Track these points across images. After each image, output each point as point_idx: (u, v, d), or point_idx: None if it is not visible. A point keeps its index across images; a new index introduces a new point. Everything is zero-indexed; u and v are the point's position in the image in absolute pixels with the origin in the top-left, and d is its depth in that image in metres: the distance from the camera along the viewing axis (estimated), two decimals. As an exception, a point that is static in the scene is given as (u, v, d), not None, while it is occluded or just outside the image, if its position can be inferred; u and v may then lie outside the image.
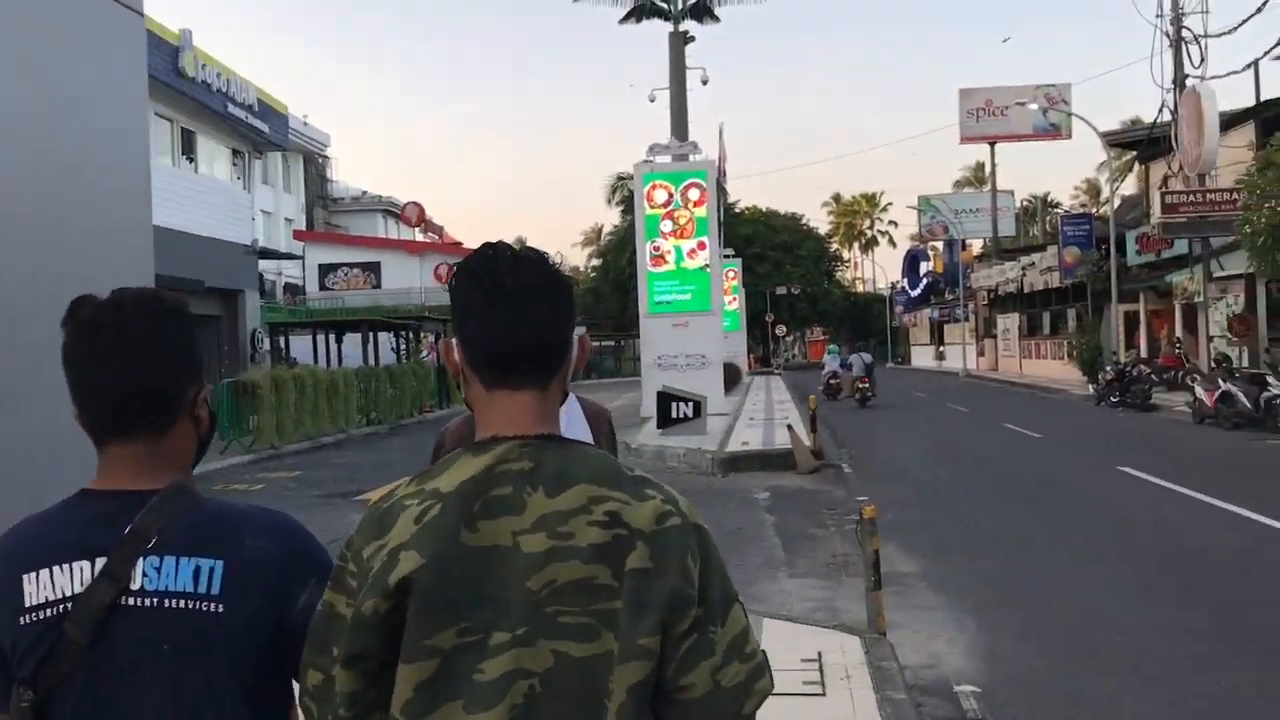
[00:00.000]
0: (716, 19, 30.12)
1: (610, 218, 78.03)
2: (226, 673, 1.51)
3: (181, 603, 1.51)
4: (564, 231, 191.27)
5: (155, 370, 1.58)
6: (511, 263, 1.52)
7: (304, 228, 58.88)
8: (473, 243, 64.55)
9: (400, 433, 26.41)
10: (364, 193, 69.46)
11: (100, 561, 1.51)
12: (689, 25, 29.10)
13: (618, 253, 68.01)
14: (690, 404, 19.24)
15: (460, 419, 2.89)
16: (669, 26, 28.59)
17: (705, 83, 28.64)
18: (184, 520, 1.54)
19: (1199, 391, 20.85)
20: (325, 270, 55.13)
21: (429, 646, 1.39)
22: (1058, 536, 10.31)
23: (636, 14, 29.81)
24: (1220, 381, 20.11)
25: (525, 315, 1.50)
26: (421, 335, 33.85)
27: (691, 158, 24.27)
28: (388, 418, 27.83)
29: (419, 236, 62.58)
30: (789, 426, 17.86)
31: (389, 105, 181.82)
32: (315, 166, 65.27)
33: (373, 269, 55.14)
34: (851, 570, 8.78)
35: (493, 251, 1.53)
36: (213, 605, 1.51)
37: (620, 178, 52.77)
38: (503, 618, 1.39)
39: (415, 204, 59.26)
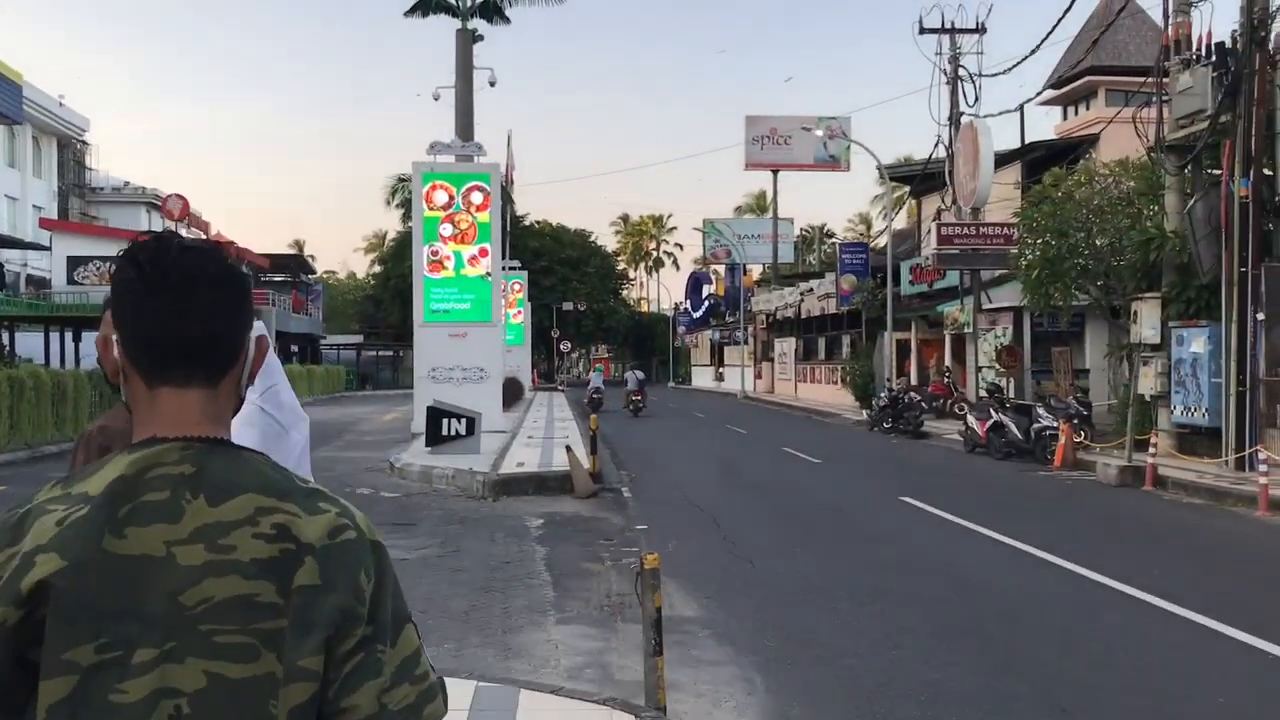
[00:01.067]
0: (507, 20, 29.02)
1: (392, 221, 75.62)
2: None
3: None
4: (347, 237, 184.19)
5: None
6: (179, 251, 1.43)
7: (55, 217, 54.44)
8: (245, 242, 61.52)
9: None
10: (126, 183, 65.45)
11: None
12: (478, 24, 27.89)
13: (398, 259, 66.47)
14: (463, 420, 17.98)
15: (115, 414, 2.63)
16: (457, 23, 27.28)
17: (493, 84, 27.42)
18: None
19: (971, 421, 21.17)
20: (75, 263, 51.20)
21: (66, 661, 1.29)
22: (844, 575, 9.67)
23: (422, 7, 28.35)
24: (991, 411, 20.45)
25: (191, 306, 1.42)
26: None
27: (476, 159, 23.03)
28: (129, 426, 25.35)
29: (183, 231, 58.81)
30: (568, 448, 16.86)
31: (166, 100, 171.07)
32: (72, 152, 60.81)
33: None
34: (628, 615, 7.83)
35: (159, 240, 1.46)
36: None
37: (401, 179, 50.94)
38: (148, 633, 1.30)
39: (178, 196, 55.33)
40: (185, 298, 1.41)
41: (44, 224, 51.82)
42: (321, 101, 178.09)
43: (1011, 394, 24.33)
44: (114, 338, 1.46)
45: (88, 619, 1.29)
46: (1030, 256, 22.17)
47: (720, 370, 66.07)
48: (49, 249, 50.16)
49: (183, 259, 1.42)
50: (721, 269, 70.58)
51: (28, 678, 1.28)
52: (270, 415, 2.75)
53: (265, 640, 1.31)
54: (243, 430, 2.34)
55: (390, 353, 70.72)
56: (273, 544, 1.34)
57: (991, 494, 15.48)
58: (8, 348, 27.19)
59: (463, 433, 17.81)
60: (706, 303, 73.47)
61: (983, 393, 23.52)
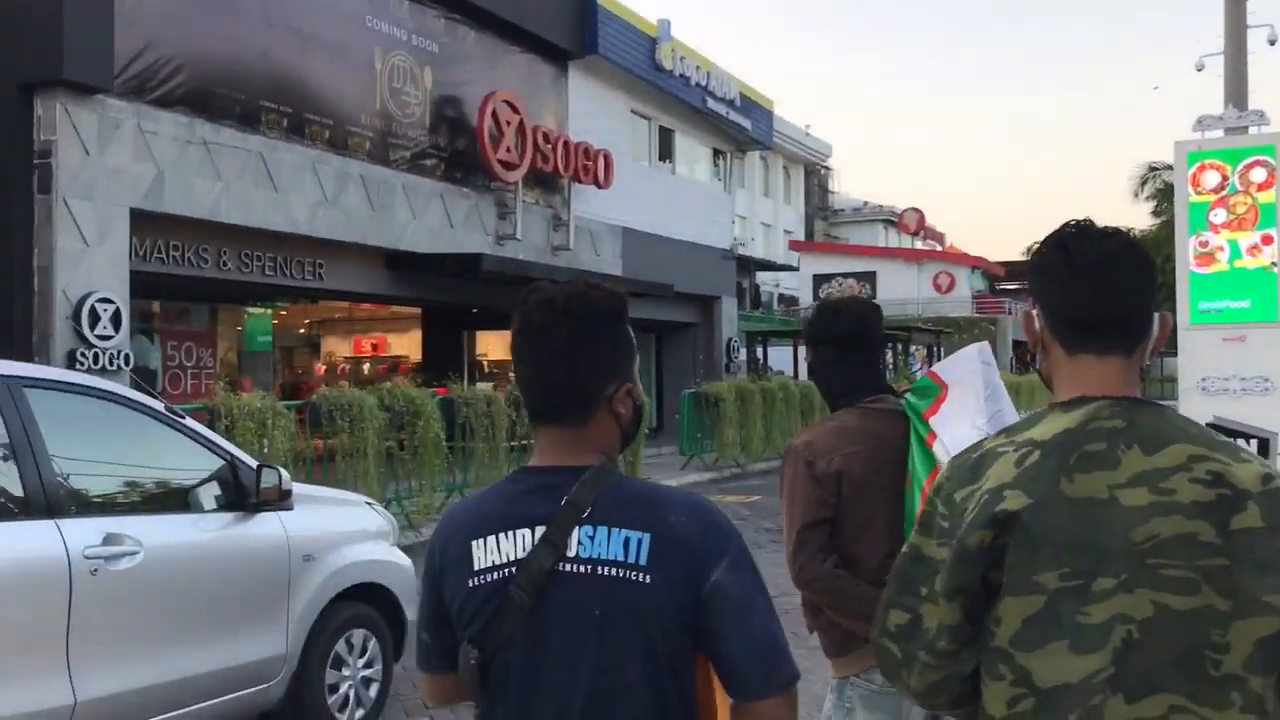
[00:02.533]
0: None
1: (1135, 218, 69.89)
2: (648, 638, 1.59)
3: (612, 570, 1.60)
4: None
5: (572, 370, 1.68)
6: (1100, 237, 1.66)
7: (803, 239, 58.50)
8: (977, 251, 60.81)
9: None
10: (865, 203, 68.38)
11: (540, 529, 1.63)
12: (1251, -28, 23.52)
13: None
14: (1253, 441, 14.71)
15: (819, 429, 2.87)
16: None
17: (1273, 42, 22.94)
18: (611, 494, 1.64)
19: None
20: (820, 280, 54.46)
21: (1035, 582, 1.52)
22: None
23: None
24: None
25: (1109, 284, 1.63)
26: (912, 349, 30.84)
27: (1254, 130, 19.16)
28: (869, 437, 25.42)
29: (919, 245, 59.80)
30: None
31: (889, 114, 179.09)
32: (816, 178, 65.16)
33: (868, 278, 53.67)
34: None
35: (1077, 226, 1.69)
36: (640, 574, 1.59)
37: (1153, 168, 46.26)
38: (1105, 565, 1.50)
39: (914, 210, 56.57)
40: (1105, 277, 1.64)
41: (793, 245, 55.75)
42: (1045, 105, 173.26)
43: None
44: (1033, 312, 1.74)
45: (1049, 550, 1.52)
46: None
47: None
48: (797, 269, 53.90)
49: (1103, 244, 1.66)
50: None
51: (984, 593, 1.57)
52: None
53: (1205, 575, 1.48)
54: None
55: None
56: (1209, 489, 1.51)
57: None
58: (761, 360, 28.93)
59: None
60: None
61: None
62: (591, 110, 20.67)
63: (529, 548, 1.61)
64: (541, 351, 1.67)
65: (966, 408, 2.54)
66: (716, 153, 26.19)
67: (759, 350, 29.42)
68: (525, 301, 1.70)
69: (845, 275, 54.27)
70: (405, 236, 15.77)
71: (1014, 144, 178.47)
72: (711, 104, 23.78)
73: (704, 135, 25.30)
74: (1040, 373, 1.73)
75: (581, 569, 1.60)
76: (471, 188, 17.29)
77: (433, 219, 16.30)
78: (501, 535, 1.63)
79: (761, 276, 50.54)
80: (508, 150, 17.36)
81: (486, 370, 25.04)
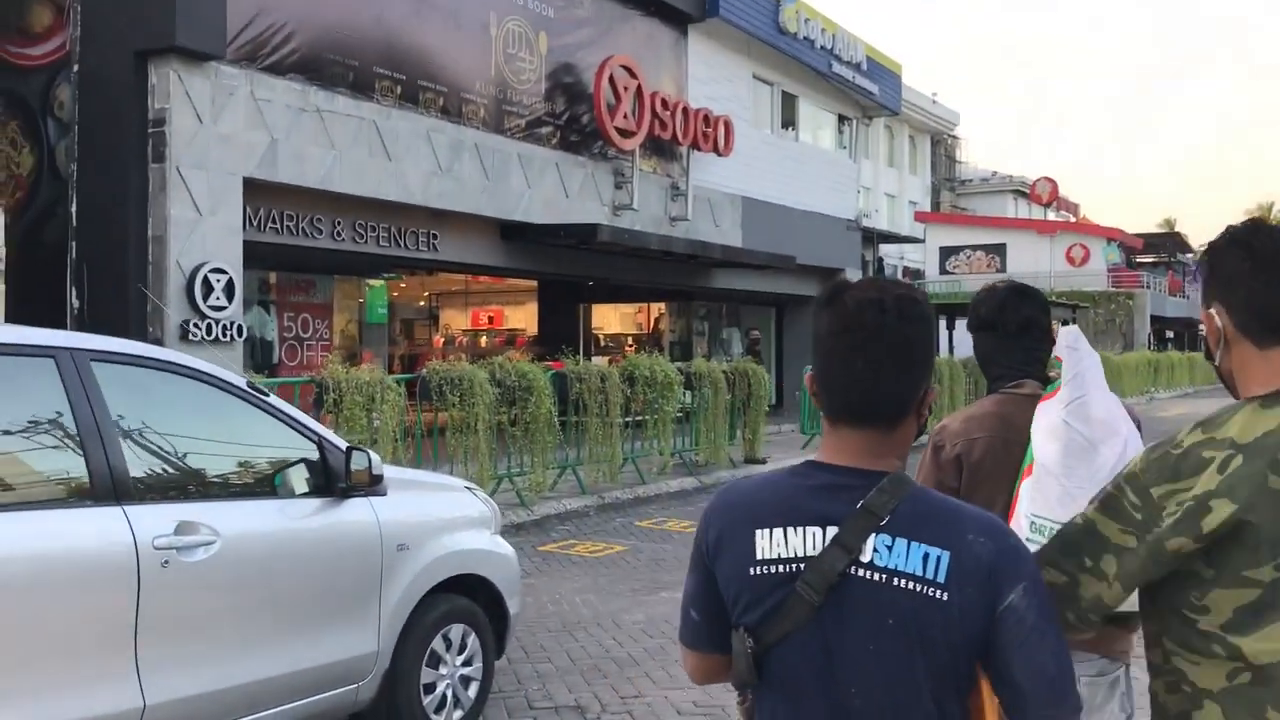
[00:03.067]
0: None
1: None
2: (939, 655, 1.60)
3: (910, 584, 1.60)
4: (1225, 209, 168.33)
5: (900, 375, 1.67)
6: (1276, 230, 1.69)
7: (929, 210, 56.90)
8: (1110, 222, 58.22)
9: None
10: (994, 173, 66.40)
11: (831, 530, 1.64)
12: None
13: None
14: None
15: (960, 413, 2.91)
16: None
17: None
18: (909, 506, 1.64)
19: None
20: (946, 253, 52.97)
21: (1248, 577, 1.59)
22: None
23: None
24: None
25: None
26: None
27: None
28: (999, 416, 24.28)
29: (1051, 216, 57.53)
30: None
31: (1021, 81, 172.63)
32: (944, 148, 63.29)
33: (997, 251, 51.95)
34: None
35: (1252, 223, 1.75)
36: (938, 592, 1.59)
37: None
38: None
39: (1047, 179, 54.17)
40: None
41: (919, 217, 54.26)
42: (1187, 63, 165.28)
43: None
44: (1212, 311, 1.76)
45: (1266, 546, 1.58)
46: None
47: None
48: (923, 241, 52.41)
49: None
50: None
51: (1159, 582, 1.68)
52: (1075, 429, 2.44)
53: None
54: (1046, 443, 2.44)
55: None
56: None
57: None
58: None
59: None
60: None
61: None
62: (712, 76, 20.02)
63: (819, 547, 1.63)
64: (875, 352, 1.65)
65: (1060, 396, 2.47)
66: (841, 119, 25.25)
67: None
68: (841, 299, 1.69)
69: (973, 248, 52.65)
70: (520, 207, 15.42)
71: (1152, 110, 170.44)
72: (837, 68, 22.88)
73: (829, 101, 24.40)
74: (1219, 369, 1.78)
75: (877, 577, 1.61)
76: (588, 156, 16.85)
77: (548, 188, 15.92)
78: (790, 529, 1.65)
79: (885, 249, 49.34)
80: (625, 117, 16.86)
81: (602, 344, 24.73)
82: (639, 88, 17.10)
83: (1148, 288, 48.67)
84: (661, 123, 17.67)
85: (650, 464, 13.44)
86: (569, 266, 17.18)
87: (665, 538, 10.31)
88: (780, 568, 1.63)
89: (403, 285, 22.17)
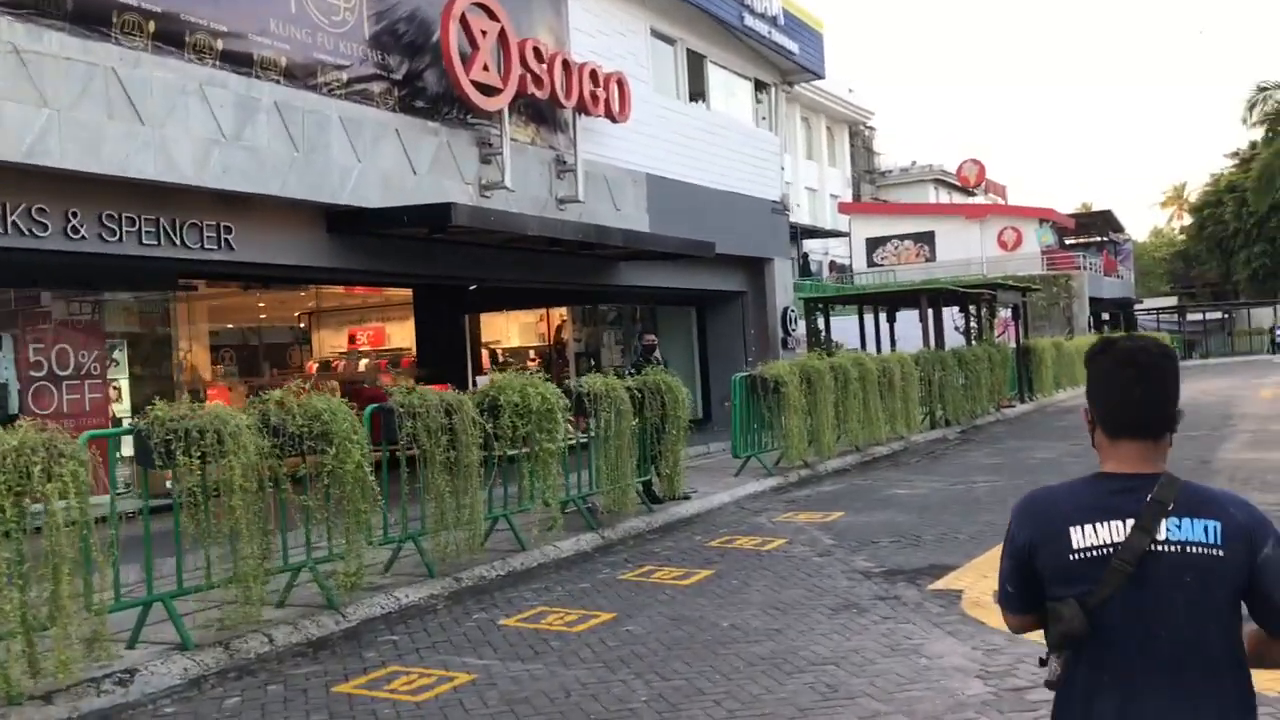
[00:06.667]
0: None
1: (1232, 146, 64.82)
2: (1222, 597, 2.21)
3: (1198, 550, 2.21)
4: (1141, 194, 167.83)
5: (1171, 399, 2.31)
6: None
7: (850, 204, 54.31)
8: (1042, 204, 55.94)
9: (974, 438, 19.69)
10: (913, 162, 64.22)
11: (1129, 521, 2.23)
12: None
13: (1217, 205, 56.78)
14: None
15: None
16: None
17: None
18: (1184, 493, 2.25)
19: None
20: (873, 244, 50.41)
21: None
22: None
23: None
24: None
25: None
26: (996, 309, 26.36)
27: None
28: (958, 417, 21.18)
29: (981, 200, 55.19)
30: None
31: (929, 70, 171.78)
32: (861, 139, 60.85)
33: (926, 240, 49.55)
34: None
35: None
36: (1218, 551, 2.21)
37: (1261, 88, 41.40)
38: None
39: (974, 161, 51.80)
40: None
41: (842, 208, 51.73)
42: (1100, 37, 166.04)
43: None
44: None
45: None
46: None
47: None
48: (847, 234, 49.82)
49: None
50: None
51: None
52: None
53: None
54: None
55: (1219, 315, 60.69)
56: None
57: None
58: (824, 333, 24.60)
59: None
60: None
61: None
62: (600, 28, 16.46)
63: (1124, 535, 2.21)
64: (1156, 384, 2.28)
65: None
66: (759, 85, 21.81)
67: (819, 321, 25.05)
68: (1115, 347, 2.33)
69: (901, 238, 50.17)
70: (348, 187, 11.68)
71: (1071, 83, 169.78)
72: (750, 20, 19.45)
73: (742, 63, 20.94)
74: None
75: (1173, 549, 2.20)
76: (440, 121, 13.12)
77: (386, 162, 12.19)
78: (1099, 524, 2.23)
79: (809, 244, 46.48)
80: (485, 69, 13.17)
81: (500, 360, 20.97)
82: (502, 31, 13.44)
83: (1084, 269, 46.29)
84: (536, 78, 14.04)
85: (532, 521, 9.82)
86: (427, 266, 13.45)
87: (540, 646, 6.71)
88: (1095, 552, 2.23)
89: (259, 301, 18.41)
